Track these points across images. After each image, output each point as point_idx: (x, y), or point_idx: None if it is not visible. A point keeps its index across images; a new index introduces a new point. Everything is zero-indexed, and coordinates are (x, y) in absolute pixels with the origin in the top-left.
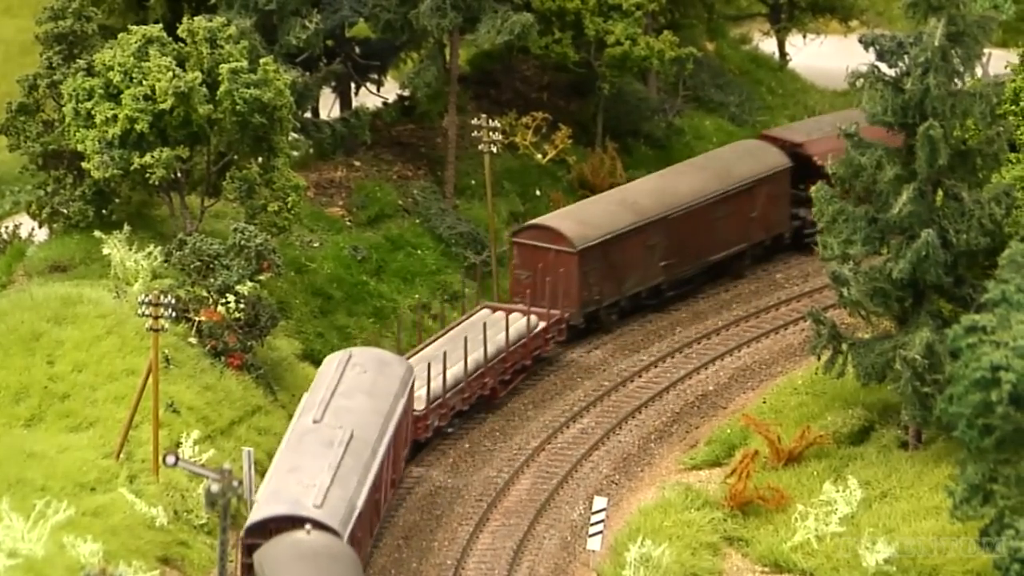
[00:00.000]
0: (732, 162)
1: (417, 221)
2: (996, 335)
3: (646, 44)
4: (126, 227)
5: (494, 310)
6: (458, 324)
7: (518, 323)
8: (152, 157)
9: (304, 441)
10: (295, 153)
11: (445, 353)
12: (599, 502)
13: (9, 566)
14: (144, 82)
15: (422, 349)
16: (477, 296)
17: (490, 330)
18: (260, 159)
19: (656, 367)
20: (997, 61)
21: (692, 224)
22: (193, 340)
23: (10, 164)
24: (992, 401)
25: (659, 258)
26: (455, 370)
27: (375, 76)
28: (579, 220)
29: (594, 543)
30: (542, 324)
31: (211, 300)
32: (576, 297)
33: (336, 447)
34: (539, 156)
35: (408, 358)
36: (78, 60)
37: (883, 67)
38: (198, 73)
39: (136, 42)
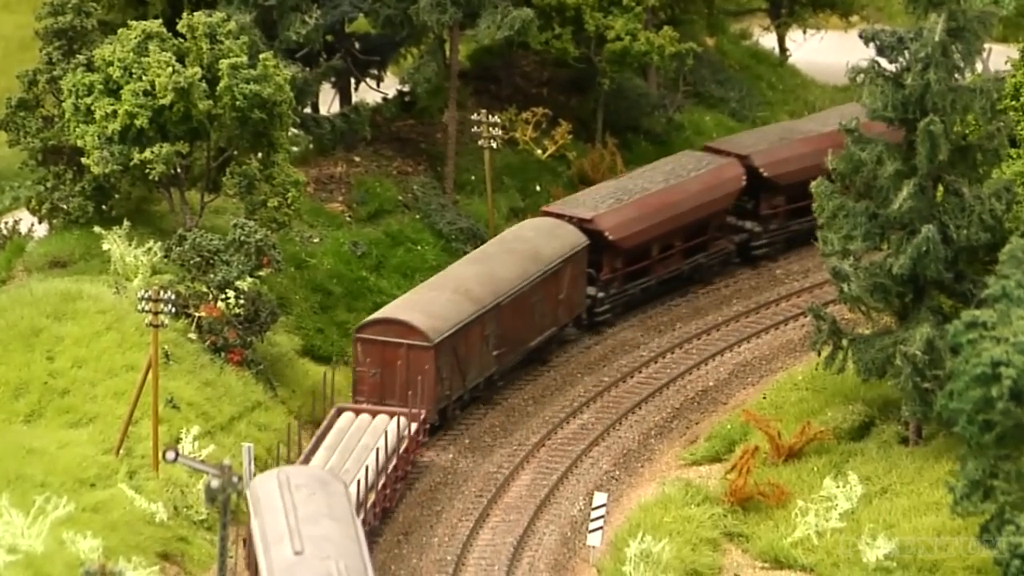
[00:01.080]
0: (538, 243)
1: (417, 217)
2: (996, 331)
3: (646, 39)
4: (126, 223)
5: (356, 412)
6: (325, 432)
7: (390, 426)
8: (152, 153)
9: None
10: (295, 149)
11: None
12: (599, 498)
13: (9, 562)
14: (144, 77)
15: (305, 463)
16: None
17: (367, 437)
18: (260, 154)
19: (656, 363)
20: (997, 56)
21: (517, 310)
22: (193, 336)
23: (10, 160)
24: (992, 397)
25: (492, 347)
26: (361, 484)
27: (375, 71)
28: (427, 312)
29: (594, 539)
30: (414, 425)
31: (211, 296)
32: (431, 394)
33: None
34: (539, 152)
35: None
36: (78, 56)
37: (883, 62)
38: (198, 69)
39: (136, 38)
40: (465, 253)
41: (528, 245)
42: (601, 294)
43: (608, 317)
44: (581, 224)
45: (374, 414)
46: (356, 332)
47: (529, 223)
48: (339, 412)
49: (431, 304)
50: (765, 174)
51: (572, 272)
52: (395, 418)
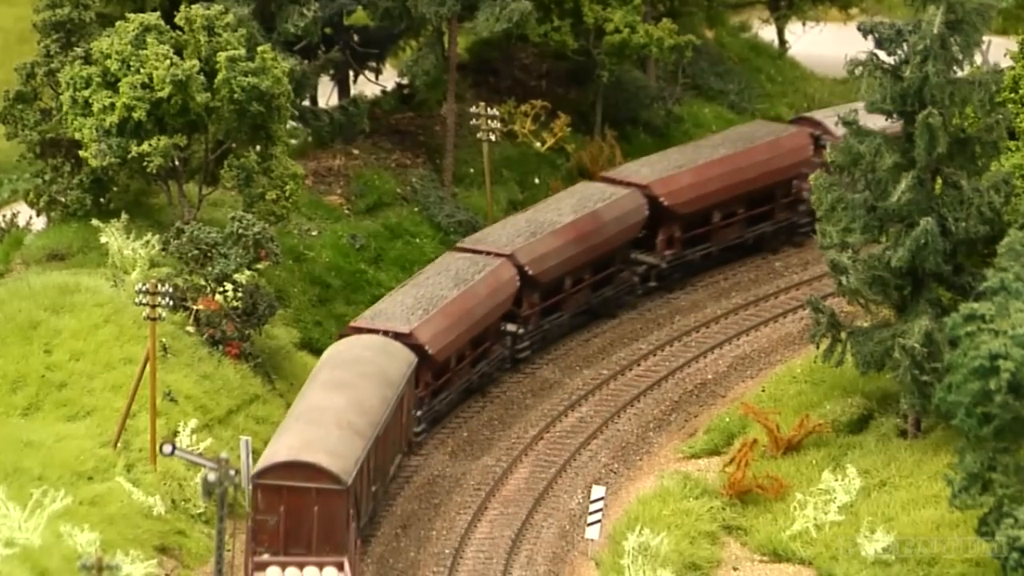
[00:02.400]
0: (382, 364)
1: (416, 209)
2: (995, 323)
3: (645, 32)
4: (124, 215)
5: (283, 567)
6: None
7: None
8: (150, 145)
9: None
10: (293, 141)
11: None
12: (597, 491)
13: (6, 555)
14: (142, 70)
15: None
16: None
17: None
18: (258, 147)
19: (655, 355)
20: (996, 49)
21: (384, 440)
22: (191, 329)
23: (8, 152)
24: (991, 389)
25: (371, 483)
26: None
27: (373, 64)
28: (330, 452)
29: (592, 532)
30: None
31: (209, 289)
32: (350, 538)
33: None
34: (538, 144)
35: None
36: (76, 48)
37: (882, 55)
38: (196, 61)
39: (134, 30)
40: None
41: (375, 367)
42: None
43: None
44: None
45: (301, 565)
46: (254, 478)
47: (358, 341)
48: (261, 562)
49: (326, 441)
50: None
51: (410, 393)
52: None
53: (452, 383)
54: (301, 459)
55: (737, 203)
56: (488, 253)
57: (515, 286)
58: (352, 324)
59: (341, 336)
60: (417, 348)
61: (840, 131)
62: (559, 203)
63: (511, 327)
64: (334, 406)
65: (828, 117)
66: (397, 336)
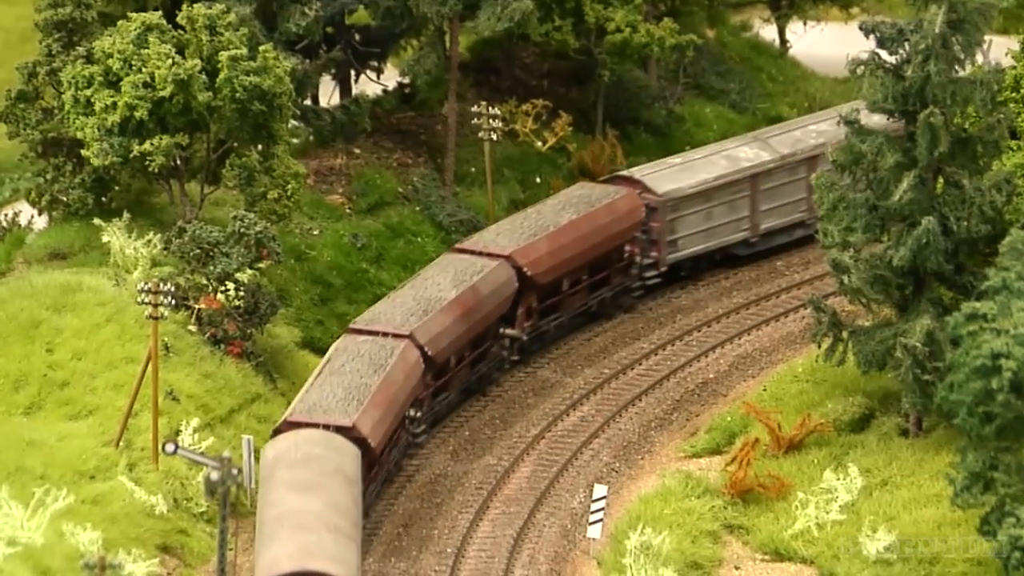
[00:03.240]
0: (337, 461)
1: (417, 208)
2: (997, 323)
3: (646, 31)
4: (125, 215)
5: None
6: None
7: None
8: (151, 144)
9: None
10: (295, 140)
11: None
12: (599, 490)
13: (8, 554)
14: (143, 69)
15: None
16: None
17: None
18: (260, 146)
19: (656, 355)
20: (998, 48)
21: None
22: (193, 328)
23: (9, 151)
24: (993, 389)
25: None
26: None
27: (375, 63)
28: (333, 558)
29: (594, 531)
30: None
31: (211, 288)
32: None
33: None
34: (539, 143)
35: None
36: (77, 47)
37: (883, 54)
38: (197, 60)
39: (135, 29)
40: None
41: (333, 465)
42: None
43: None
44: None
45: None
46: None
47: (302, 437)
48: None
49: (325, 548)
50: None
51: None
52: None
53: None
54: (309, 569)
55: (583, 270)
56: (386, 334)
57: (420, 369)
58: (287, 420)
59: (277, 432)
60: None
61: (663, 187)
62: (438, 277)
63: (412, 412)
64: (313, 508)
65: (649, 174)
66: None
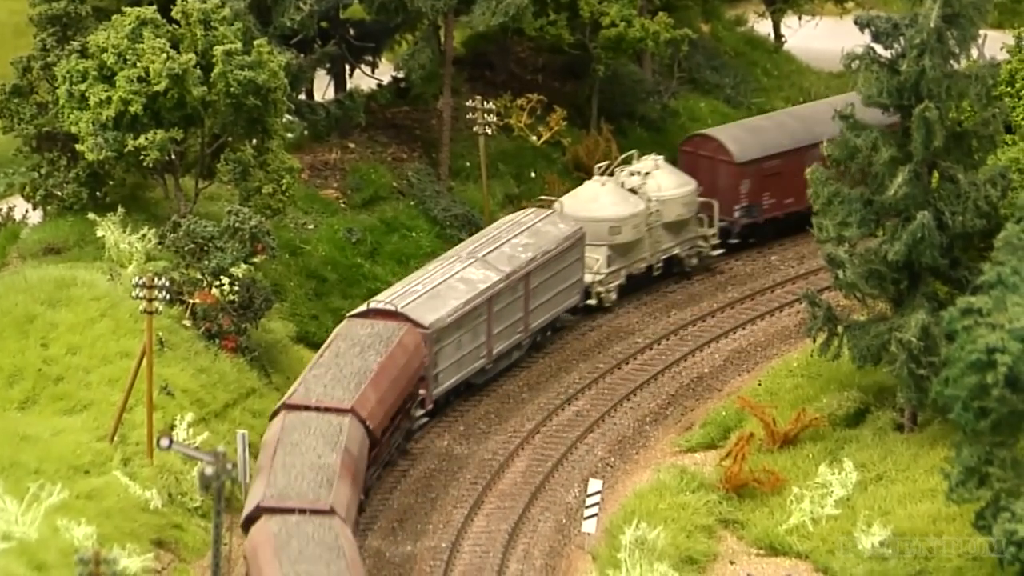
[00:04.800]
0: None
1: (412, 203)
2: (992, 317)
3: (641, 25)
4: (120, 209)
5: None
6: None
7: None
8: (146, 139)
9: None
10: (290, 135)
11: None
12: (594, 484)
13: (3, 549)
14: (138, 64)
15: None
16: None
17: None
18: (254, 141)
19: (651, 349)
20: (993, 43)
21: None
22: (187, 322)
23: (4, 146)
24: (988, 383)
25: None
26: None
27: (370, 58)
28: None
29: (589, 526)
30: None
31: (205, 282)
32: None
33: None
34: (534, 138)
35: None
36: (72, 42)
37: (878, 49)
38: (192, 55)
39: (130, 24)
40: (459, 240)
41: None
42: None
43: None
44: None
45: None
46: None
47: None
48: None
49: None
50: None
51: None
52: None
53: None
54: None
55: (395, 414)
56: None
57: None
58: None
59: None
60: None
61: (427, 318)
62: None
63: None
64: None
65: (408, 305)
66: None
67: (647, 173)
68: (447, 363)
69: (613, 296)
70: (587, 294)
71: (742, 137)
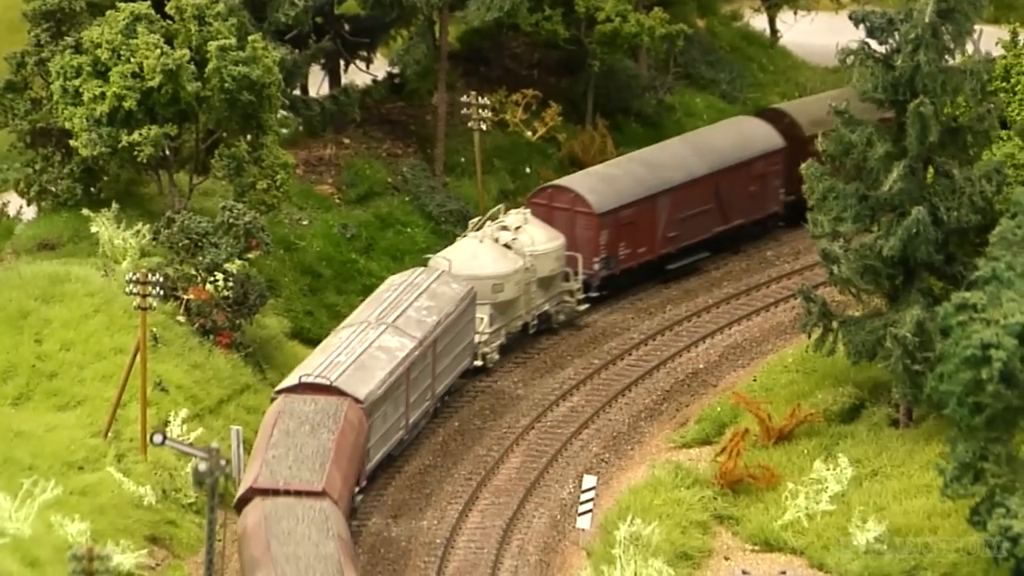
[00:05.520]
0: None
1: (407, 199)
2: (987, 313)
3: (636, 21)
4: (114, 205)
5: None
6: None
7: None
8: (140, 135)
9: None
10: (284, 131)
11: None
12: (589, 480)
13: None
14: (132, 60)
15: None
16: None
17: None
18: (249, 137)
19: (646, 345)
20: (987, 38)
21: None
22: (181, 318)
23: None
24: (983, 379)
25: None
26: None
27: (364, 53)
28: None
29: (584, 521)
30: None
31: (199, 278)
32: None
33: None
34: (529, 133)
35: None
36: (66, 38)
37: (873, 44)
38: (186, 51)
39: (124, 19)
40: (455, 236)
41: None
42: None
43: None
44: None
45: None
46: None
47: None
48: None
49: None
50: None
51: None
52: None
53: None
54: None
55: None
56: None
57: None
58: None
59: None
60: None
61: (360, 391)
62: None
63: None
64: None
65: (340, 376)
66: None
67: (518, 227)
68: (376, 436)
69: (495, 356)
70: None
71: (598, 187)
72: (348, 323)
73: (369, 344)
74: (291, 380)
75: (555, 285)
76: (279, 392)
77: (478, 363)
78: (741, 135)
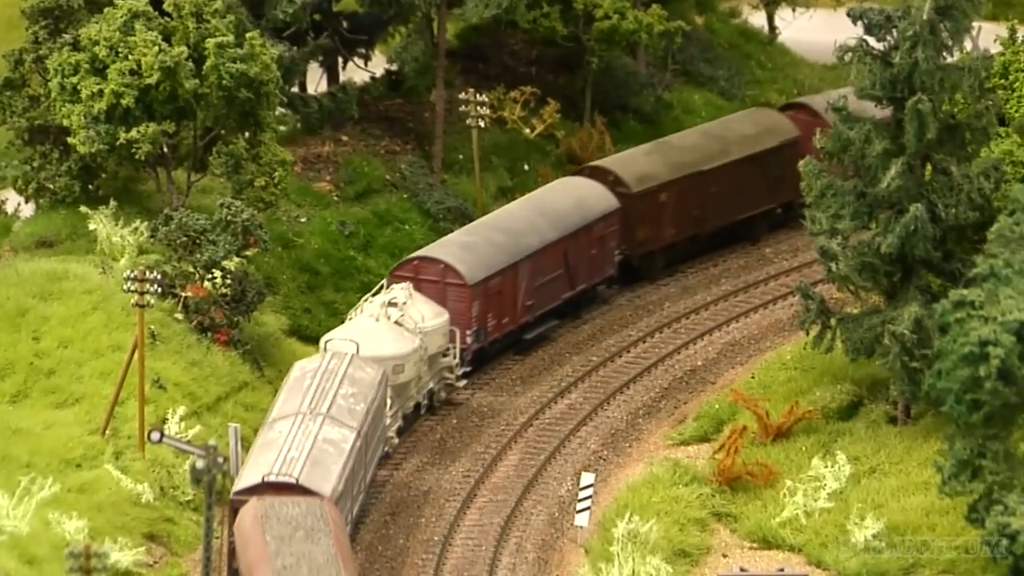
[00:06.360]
0: None
1: (405, 196)
2: (984, 310)
3: (635, 18)
4: (112, 202)
5: None
6: None
7: None
8: (138, 132)
9: None
10: (282, 128)
11: None
12: (587, 478)
13: None
14: (130, 57)
15: None
16: None
17: None
18: (247, 134)
19: (644, 342)
20: (986, 35)
21: None
22: (179, 316)
23: None
24: (980, 376)
25: None
26: None
27: (363, 50)
28: None
29: (582, 519)
30: None
31: (197, 276)
32: None
33: None
34: (527, 131)
35: None
36: (64, 35)
37: (871, 41)
38: (184, 48)
39: (122, 16)
40: (451, 231)
41: None
42: None
43: None
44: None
45: None
46: None
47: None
48: None
49: None
50: None
51: None
52: None
53: None
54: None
55: None
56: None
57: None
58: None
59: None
60: None
61: (324, 486)
62: None
63: None
64: None
65: (297, 470)
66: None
67: (404, 303)
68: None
69: (395, 441)
70: None
71: (466, 257)
72: (280, 415)
73: (315, 437)
74: (248, 480)
75: (437, 362)
76: (241, 493)
77: (388, 449)
78: (578, 196)
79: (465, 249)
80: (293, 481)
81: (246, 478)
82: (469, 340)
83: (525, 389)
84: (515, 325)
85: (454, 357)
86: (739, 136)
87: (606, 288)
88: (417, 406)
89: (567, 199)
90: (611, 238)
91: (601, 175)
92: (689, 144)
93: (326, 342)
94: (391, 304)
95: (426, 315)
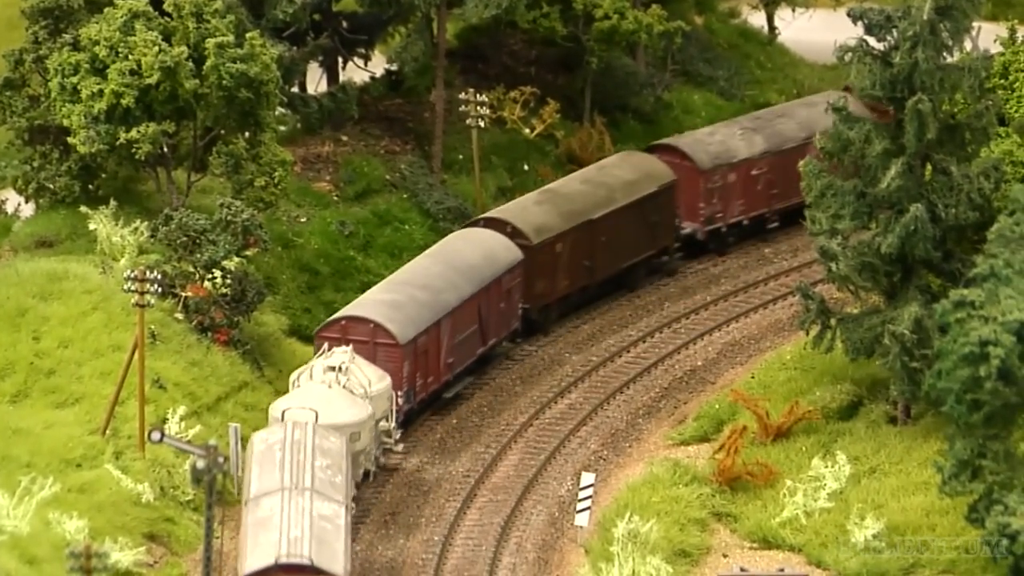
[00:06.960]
0: None
1: (404, 196)
2: (984, 310)
3: (634, 18)
4: (112, 202)
5: None
6: None
7: None
8: (138, 132)
9: None
10: (282, 128)
11: None
12: (587, 478)
13: None
14: (130, 57)
15: None
16: None
17: None
18: (247, 134)
19: (644, 342)
20: (986, 35)
21: None
22: (179, 316)
23: None
24: (980, 376)
25: None
26: None
27: (362, 50)
28: None
29: (582, 519)
30: None
31: (197, 275)
32: None
33: None
34: (527, 131)
35: None
36: (64, 35)
37: (871, 41)
38: (184, 48)
39: (122, 16)
40: (451, 232)
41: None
42: None
43: None
44: None
45: None
46: None
47: None
48: None
49: None
50: None
51: None
52: None
53: None
54: None
55: None
56: None
57: None
58: None
59: None
60: None
61: (335, 566)
62: None
63: None
64: None
65: (308, 551)
66: None
67: (347, 367)
68: None
69: (353, 508)
70: None
71: (395, 316)
72: (263, 491)
73: (309, 514)
74: (258, 562)
75: (377, 427)
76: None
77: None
78: (486, 249)
79: (393, 308)
80: (308, 562)
81: (253, 560)
82: (401, 402)
83: (525, 389)
84: (439, 384)
85: (390, 421)
86: (621, 182)
87: (509, 343)
88: (367, 474)
89: (475, 252)
90: (516, 291)
91: (499, 226)
92: (575, 192)
93: (283, 411)
94: (333, 368)
95: (372, 378)
